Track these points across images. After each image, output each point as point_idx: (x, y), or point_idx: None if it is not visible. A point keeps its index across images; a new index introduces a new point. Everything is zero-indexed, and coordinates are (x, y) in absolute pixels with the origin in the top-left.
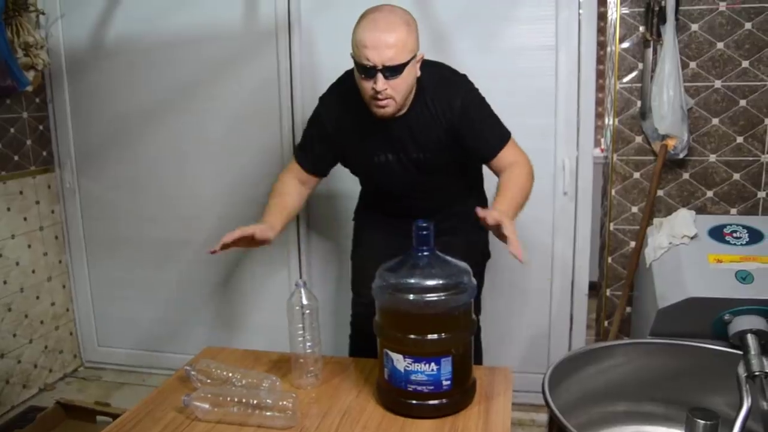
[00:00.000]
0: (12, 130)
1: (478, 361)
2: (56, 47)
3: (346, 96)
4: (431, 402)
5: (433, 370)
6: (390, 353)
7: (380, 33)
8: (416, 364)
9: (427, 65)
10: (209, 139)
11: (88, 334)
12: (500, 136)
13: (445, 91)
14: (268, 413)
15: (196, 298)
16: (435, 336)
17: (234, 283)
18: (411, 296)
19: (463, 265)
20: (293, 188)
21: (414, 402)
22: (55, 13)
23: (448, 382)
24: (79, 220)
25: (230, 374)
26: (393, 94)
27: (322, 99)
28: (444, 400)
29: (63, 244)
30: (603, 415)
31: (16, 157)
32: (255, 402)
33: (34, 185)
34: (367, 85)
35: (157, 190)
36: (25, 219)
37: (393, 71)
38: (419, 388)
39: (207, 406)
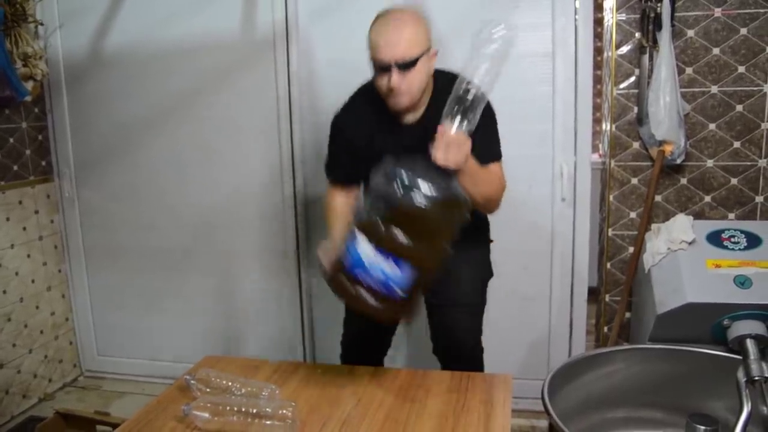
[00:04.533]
0: (11, 140)
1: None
2: (55, 57)
3: (361, 107)
4: (378, 301)
5: (392, 270)
6: (359, 236)
7: (391, 30)
8: (379, 258)
9: (443, 72)
10: (208, 147)
11: (87, 344)
12: (494, 154)
13: None
14: (268, 422)
15: (196, 306)
16: (409, 239)
17: (233, 293)
18: (407, 190)
19: (460, 190)
20: (343, 204)
21: (362, 293)
22: (53, 24)
23: (400, 291)
24: (79, 230)
25: (230, 383)
26: (405, 87)
27: (340, 113)
28: (388, 305)
29: (62, 253)
30: (603, 422)
31: (15, 167)
32: (255, 411)
33: (33, 195)
34: (382, 82)
35: (156, 198)
36: (24, 229)
37: (406, 66)
38: (371, 283)
39: (207, 415)
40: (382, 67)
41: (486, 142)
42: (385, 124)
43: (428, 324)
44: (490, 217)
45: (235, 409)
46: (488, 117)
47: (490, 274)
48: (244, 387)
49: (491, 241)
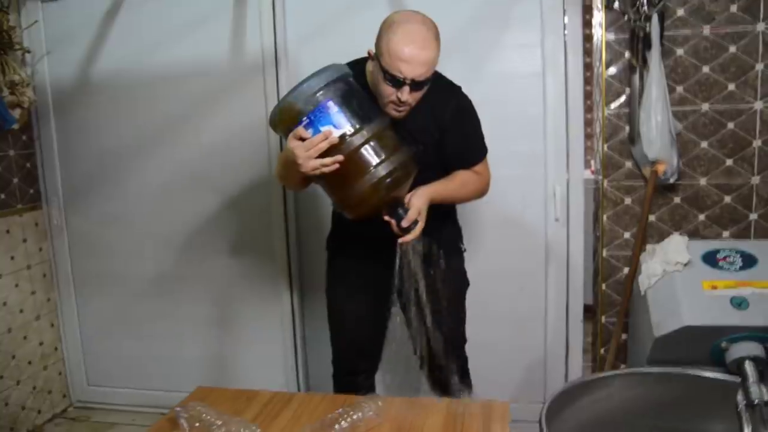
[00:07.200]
0: None
1: (468, 389)
2: (42, 85)
3: None
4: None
5: None
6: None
7: (418, 50)
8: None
9: None
10: (197, 173)
11: (77, 374)
12: (480, 150)
13: (444, 92)
14: None
15: (187, 334)
16: None
17: (225, 319)
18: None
19: None
20: None
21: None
22: (40, 51)
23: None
24: (68, 258)
25: (214, 419)
26: (412, 103)
27: None
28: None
29: (51, 281)
30: None
31: (2, 195)
32: None
33: (21, 223)
34: (390, 92)
35: (146, 225)
36: (12, 258)
37: (420, 85)
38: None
39: None
40: (395, 80)
41: (467, 146)
42: None
43: (410, 337)
44: (475, 229)
45: None
46: (467, 116)
47: (467, 284)
48: (225, 426)
49: (464, 250)
